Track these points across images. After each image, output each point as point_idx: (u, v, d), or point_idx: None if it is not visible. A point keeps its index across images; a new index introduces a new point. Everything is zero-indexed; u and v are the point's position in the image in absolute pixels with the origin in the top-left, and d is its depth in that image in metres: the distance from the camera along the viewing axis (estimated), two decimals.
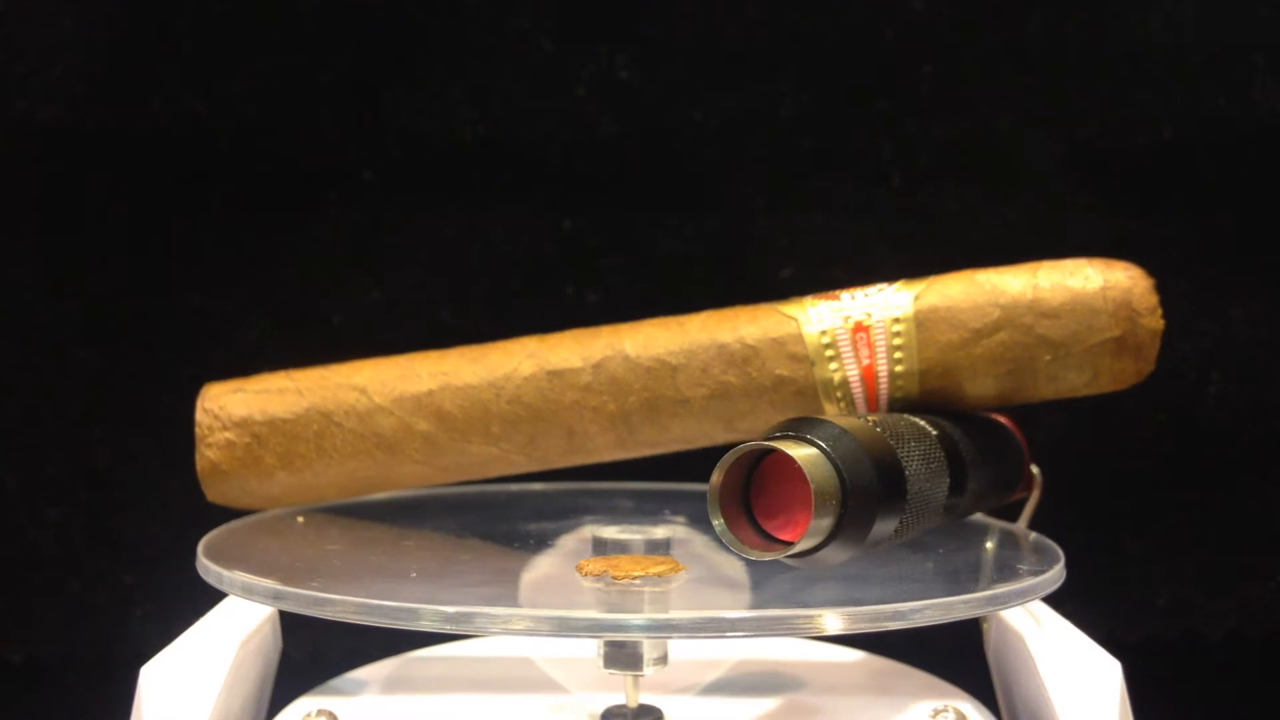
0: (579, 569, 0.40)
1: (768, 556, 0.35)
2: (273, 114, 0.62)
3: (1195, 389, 0.62)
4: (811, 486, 0.33)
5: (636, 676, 0.39)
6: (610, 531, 0.42)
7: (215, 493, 0.48)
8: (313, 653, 0.56)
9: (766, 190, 0.62)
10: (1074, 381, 0.45)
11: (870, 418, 0.38)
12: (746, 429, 0.46)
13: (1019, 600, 0.39)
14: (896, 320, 0.45)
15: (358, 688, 0.44)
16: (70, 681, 0.63)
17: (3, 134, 0.61)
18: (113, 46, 0.61)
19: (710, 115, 0.62)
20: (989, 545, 0.46)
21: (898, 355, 0.45)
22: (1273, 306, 0.62)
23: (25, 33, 0.60)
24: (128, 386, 0.62)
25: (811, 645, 0.49)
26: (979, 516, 0.49)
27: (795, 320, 0.45)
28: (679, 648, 0.40)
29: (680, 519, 0.48)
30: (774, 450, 0.34)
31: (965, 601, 0.37)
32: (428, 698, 0.43)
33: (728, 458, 0.35)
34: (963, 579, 0.41)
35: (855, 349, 0.45)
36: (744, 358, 0.45)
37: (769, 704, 0.42)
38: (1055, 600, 0.43)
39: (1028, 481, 0.49)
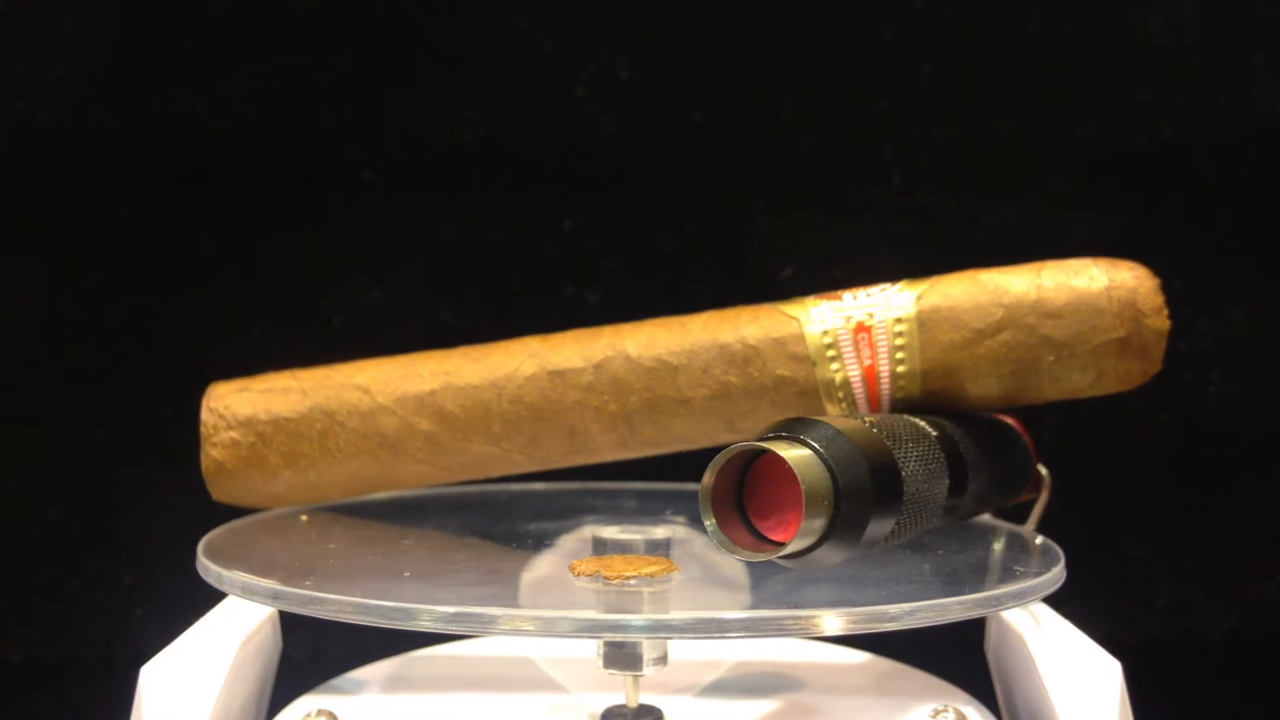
0: (572, 569, 0.40)
1: (759, 557, 0.35)
2: (273, 114, 0.62)
3: (1195, 389, 0.62)
4: (802, 487, 0.33)
5: (636, 676, 0.39)
6: (610, 532, 0.42)
7: (220, 491, 0.48)
8: (313, 653, 0.56)
9: (766, 190, 0.62)
10: (1078, 382, 0.44)
11: (868, 418, 0.38)
12: (748, 429, 0.46)
13: (1019, 601, 0.39)
14: (899, 320, 0.45)
15: (358, 688, 0.44)
16: (70, 681, 0.63)
17: (3, 134, 0.61)
18: (113, 46, 0.61)
19: (710, 115, 0.62)
20: (996, 547, 0.45)
21: (899, 356, 0.44)
22: (1273, 306, 0.62)
23: (25, 33, 0.60)
24: (128, 386, 0.62)
25: (811, 645, 0.49)
26: (985, 518, 0.49)
27: (797, 320, 0.45)
28: (679, 648, 0.40)
29: (681, 519, 0.48)
30: (767, 451, 0.34)
31: (966, 602, 0.37)
32: (428, 697, 0.43)
33: (719, 459, 0.35)
34: (963, 580, 0.41)
35: (857, 349, 0.45)
36: (745, 358, 0.45)
37: (769, 704, 0.42)
38: (1055, 600, 0.43)
39: (1036, 483, 0.49)
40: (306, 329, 0.62)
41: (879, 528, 0.36)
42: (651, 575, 0.39)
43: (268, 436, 0.47)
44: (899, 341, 0.44)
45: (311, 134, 0.62)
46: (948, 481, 0.40)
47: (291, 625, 0.46)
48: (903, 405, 0.44)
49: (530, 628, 0.35)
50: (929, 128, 0.62)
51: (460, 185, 0.62)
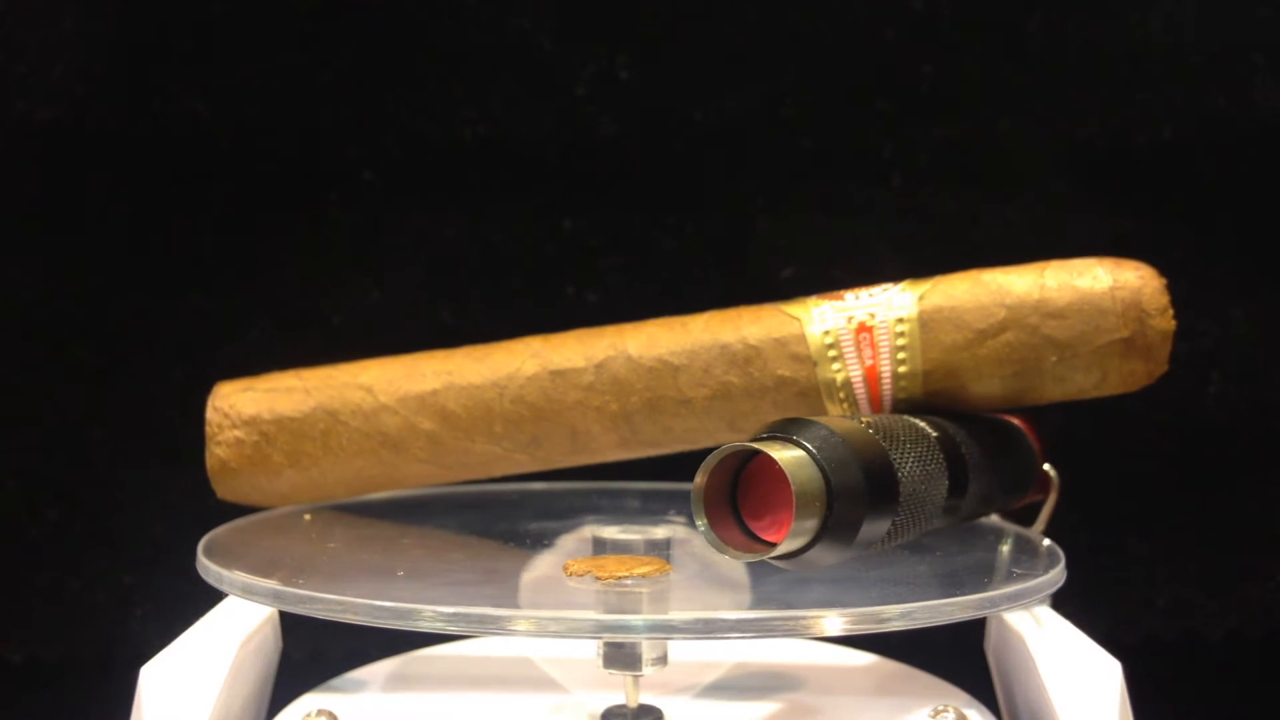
0: (565, 569, 0.40)
1: (751, 557, 0.35)
2: (273, 114, 0.62)
3: (1195, 389, 0.62)
4: (793, 488, 0.33)
5: (636, 676, 0.39)
6: (610, 532, 0.42)
7: (225, 490, 0.49)
8: (313, 653, 0.56)
9: (766, 190, 0.62)
10: (1082, 383, 0.44)
11: (864, 419, 0.38)
12: (749, 429, 0.46)
13: (1019, 602, 0.39)
14: (900, 320, 0.44)
15: (358, 688, 0.44)
16: (70, 681, 0.63)
17: (3, 134, 0.61)
18: (113, 46, 0.61)
19: (710, 115, 0.62)
20: (1003, 549, 0.45)
21: (901, 356, 0.44)
22: (1273, 306, 0.62)
23: (25, 33, 0.60)
24: (128, 386, 0.62)
25: (812, 645, 0.49)
26: (992, 519, 0.49)
27: (798, 320, 0.45)
28: (678, 648, 0.40)
29: (682, 520, 0.48)
30: (759, 452, 0.34)
31: (966, 603, 0.37)
32: (428, 697, 0.43)
33: (710, 460, 0.35)
34: (963, 581, 0.41)
35: (858, 349, 0.45)
36: (746, 358, 0.45)
37: (769, 704, 0.42)
38: (1055, 600, 0.43)
39: (1044, 484, 0.48)
40: (306, 329, 0.62)
41: (874, 529, 0.36)
42: (644, 575, 0.39)
43: (271, 436, 0.48)
44: (900, 342, 0.44)
45: (311, 134, 0.62)
46: (947, 482, 0.39)
47: (291, 625, 0.46)
48: (905, 406, 0.44)
49: (527, 628, 0.35)
50: (929, 128, 0.62)
51: (460, 185, 0.62)
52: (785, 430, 0.35)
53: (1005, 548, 0.45)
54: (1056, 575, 0.41)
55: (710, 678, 0.44)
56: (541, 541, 0.46)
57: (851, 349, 0.45)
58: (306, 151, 0.62)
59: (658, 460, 0.48)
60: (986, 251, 0.48)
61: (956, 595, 0.37)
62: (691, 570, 0.41)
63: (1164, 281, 0.44)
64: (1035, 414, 0.49)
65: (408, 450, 0.48)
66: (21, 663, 0.63)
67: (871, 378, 0.44)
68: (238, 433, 0.48)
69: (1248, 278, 0.62)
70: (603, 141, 0.62)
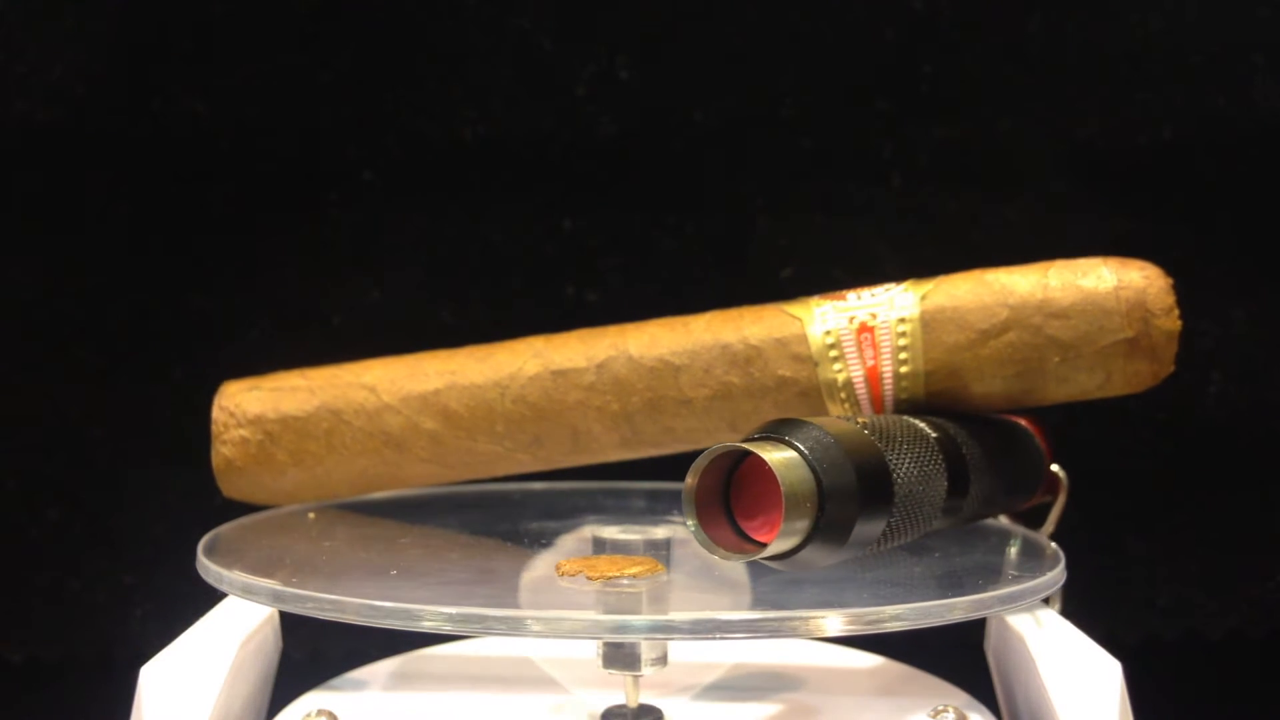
0: (557, 569, 0.40)
1: (741, 558, 0.35)
2: (273, 114, 0.62)
3: (1195, 389, 0.62)
4: (782, 489, 0.33)
5: (636, 677, 0.39)
6: (610, 532, 0.42)
7: (230, 488, 0.49)
8: (313, 653, 0.56)
9: (766, 190, 0.62)
10: (1086, 384, 0.44)
11: (861, 419, 0.38)
12: (750, 430, 0.46)
13: (1019, 603, 0.39)
14: (902, 320, 0.44)
15: (358, 688, 0.44)
16: (70, 681, 0.63)
17: (3, 134, 0.61)
18: (113, 46, 0.61)
19: (710, 115, 0.62)
20: (1011, 551, 0.45)
21: (903, 356, 0.44)
22: (1273, 306, 0.62)
23: (25, 33, 0.60)
24: (128, 386, 0.62)
25: (812, 645, 0.49)
26: (1001, 520, 0.49)
27: (799, 320, 0.45)
28: (679, 648, 0.40)
29: (683, 519, 0.48)
30: (751, 452, 0.34)
31: (966, 604, 0.37)
32: (428, 697, 0.43)
33: (700, 461, 0.35)
34: (963, 582, 0.41)
35: (860, 350, 0.44)
36: (747, 358, 0.45)
37: (769, 704, 0.42)
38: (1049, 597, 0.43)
39: (1053, 485, 0.48)
40: (306, 329, 0.62)
41: (868, 529, 0.35)
42: (635, 575, 0.39)
43: (276, 434, 0.48)
44: (902, 342, 0.44)
45: (311, 134, 0.62)
46: (946, 483, 0.39)
47: (291, 625, 0.46)
48: (906, 406, 0.44)
49: (527, 629, 0.35)
50: (929, 128, 0.62)
51: (460, 185, 0.62)
52: (778, 431, 0.35)
53: (1013, 550, 0.45)
54: (1058, 574, 0.41)
55: (710, 678, 0.44)
56: (540, 541, 0.46)
57: (853, 349, 0.45)
58: (306, 151, 0.62)
59: (663, 460, 0.48)
60: (986, 251, 0.48)
61: (956, 596, 0.37)
62: (692, 571, 0.41)
63: (1170, 281, 0.43)
64: (1031, 415, 0.49)
65: (410, 450, 0.48)
66: (21, 663, 0.63)
67: (873, 378, 0.44)
68: (243, 431, 0.48)
69: (1248, 278, 0.62)
70: (603, 141, 0.62)
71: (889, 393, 0.44)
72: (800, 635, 0.36)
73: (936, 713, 0.39)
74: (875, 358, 0.44)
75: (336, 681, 0.45)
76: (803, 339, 0.45)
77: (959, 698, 0.43)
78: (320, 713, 0.39)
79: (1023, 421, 0.48)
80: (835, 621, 0.35)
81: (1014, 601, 0.39)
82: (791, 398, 0.45)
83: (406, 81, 0.62)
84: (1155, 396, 0.45)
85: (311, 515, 0.49)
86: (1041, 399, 0.45)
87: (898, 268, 0.49)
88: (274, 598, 0.38)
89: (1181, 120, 0.61)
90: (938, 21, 0.61)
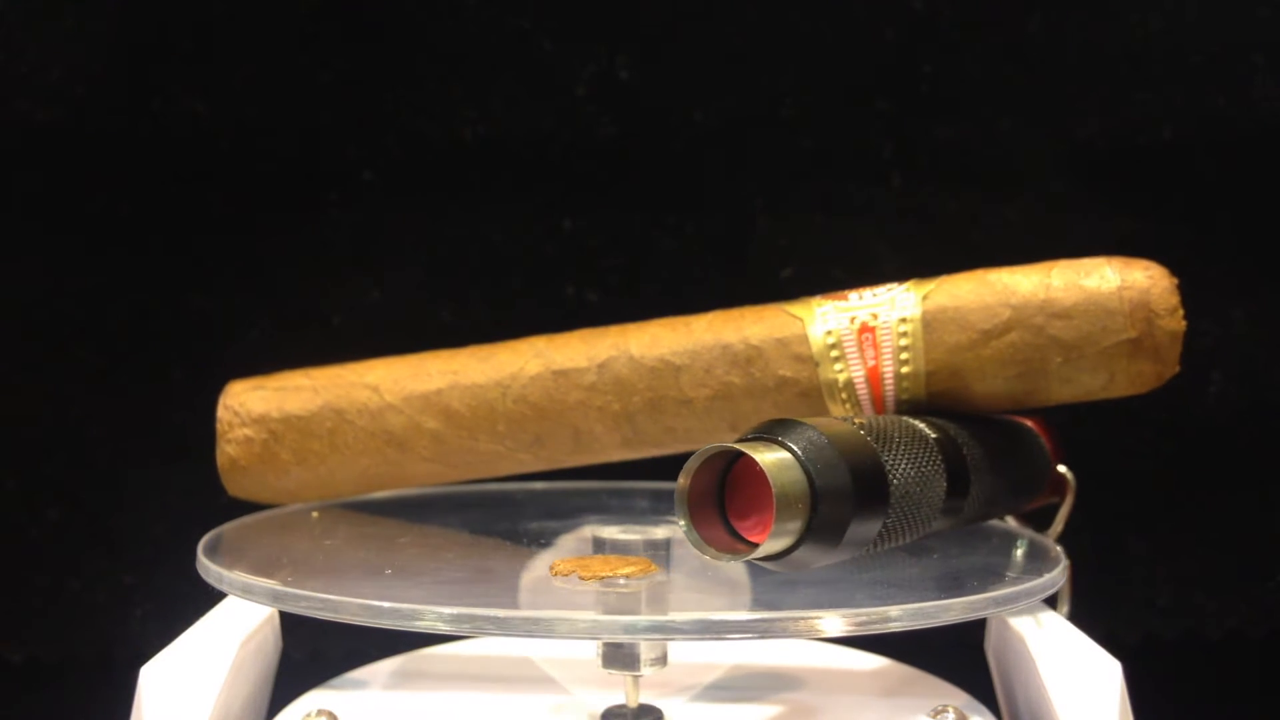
0: (551, 569, 0.40)
1: (732, 558, 0.35)
2: (273, 114, 0.62)
3: (1195, 389, 0.62)
4: (773, 489, 0.33)
5: (636, 677, 0.39)
6: (610, 532, 0.42)
7: (235, 487, 0.49)
8: (313, 653, 0.56)
9: (766, 190, 0.62)
10: (1089, 384, 0.44)
11: (858, 420, 0.38)
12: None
13: (1019, 603, 0.39)
14: (903, 320, 0.44)
15: (358, 688, 0.44)
16: (70, 681, 0.63)
17: (3, 134, 0.61)
18: (113, 46, 0.61)
19: (710, 115, 0.62)
20: (1018, 553, 0.45)
21: (904, 357, 0.44)
22: (1273, 306, 0.62)
23: (25, 33, 0.60)
24: (128, 386, 0.62)
25: (812, 645, 0.49)
26: (1009, 522, 0.49)
27: (801, 320, 0.45)
28: (679, 648, 0.40)
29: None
30: (744, 453, 0.34)
31: (966, 604, 0.37)
32: (428, 697, 0.43)
33: (691, 462, 0.35)
34: (963, 583, 0.41)
35: (861, 350, 0.44)
36: (748, 358, 0.45)
37: (769, 704, 0.42)
38: (1055, 600, 0.43)
39: (1059, 486, 0.47)
40: (306, 329, 0.62)
41: (863, 530, 0.35)
42: (628, 575, 0.39)
43: (280, 434, 0.48)
44: (903, 342, 0.44)
45: (311, 134, 0.62)
46: (945, 484, 0.39)
47: (291, 625, 0.46)
48: (908, 407, 0.44)
49: (518, 629, 0.35)
50: (929, 128, 0.62)
51: (460, 185, 0.62)
52: (772, 431, 0.35)
53: (1019, 552, 0.45)
54: (1059, 575, 0.41)
55: (710, 678, 0.44)
56: (539, 541, 0.46)
57: (854, 349, 0.44)
58: (306, 151, 0.62)
59: (667, 460, 0.48)
60: (986, 251, 0.48)
61: (956, 596, 0.37)
62: (692, 571, 0.41)
63: (1174, 281, 0.43)
64: (1031, 415, 0.49)
65: (413, 449, 0.48)
66: (21, 663, 0.63)
67: (874, 378, 0.44)
68: (247, 431, 0.48)
69: (1248, 278, 0.62)
70: (603, 141, 0.62)
71: (890, 393, 0.44)
72: (800, 636, 0.36)
73: (936, 713, 0.39)
74: (876, 358, 0.44)
75: (336, 681, 0.45)
76: (803, 339, 0.45)
77: (959, 698, 0.43)
78: (320, 713, 0.39)
79: (1029, 422, 0.48)
80: (835, 622, 0.35)
81: (1013, 602, 0.39)
82: (792, 398, 0.45)
83: (406, 81, 0.62)
84: (1155, 396, 0.45)
85: (315, 514, 0.50)
86: (1045, 400, 0.44)
87: (898, 268, 0.49)
88: (274, 598, 0.38)
89: (1181, 120, 0.61)
90: (938, 21, 0.61)
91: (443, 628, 0.35)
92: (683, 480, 0.35)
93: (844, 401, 0.44)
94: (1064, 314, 0.43)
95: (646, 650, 0.38)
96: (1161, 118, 0.61)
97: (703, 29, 0.62)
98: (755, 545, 0.34)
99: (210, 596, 0.42)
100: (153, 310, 0.62)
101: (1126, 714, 0.38)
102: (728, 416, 0.46)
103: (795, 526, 0.34)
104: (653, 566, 0.40)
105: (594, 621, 0.35)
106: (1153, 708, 0.42)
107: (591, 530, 0.43)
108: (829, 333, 0.45)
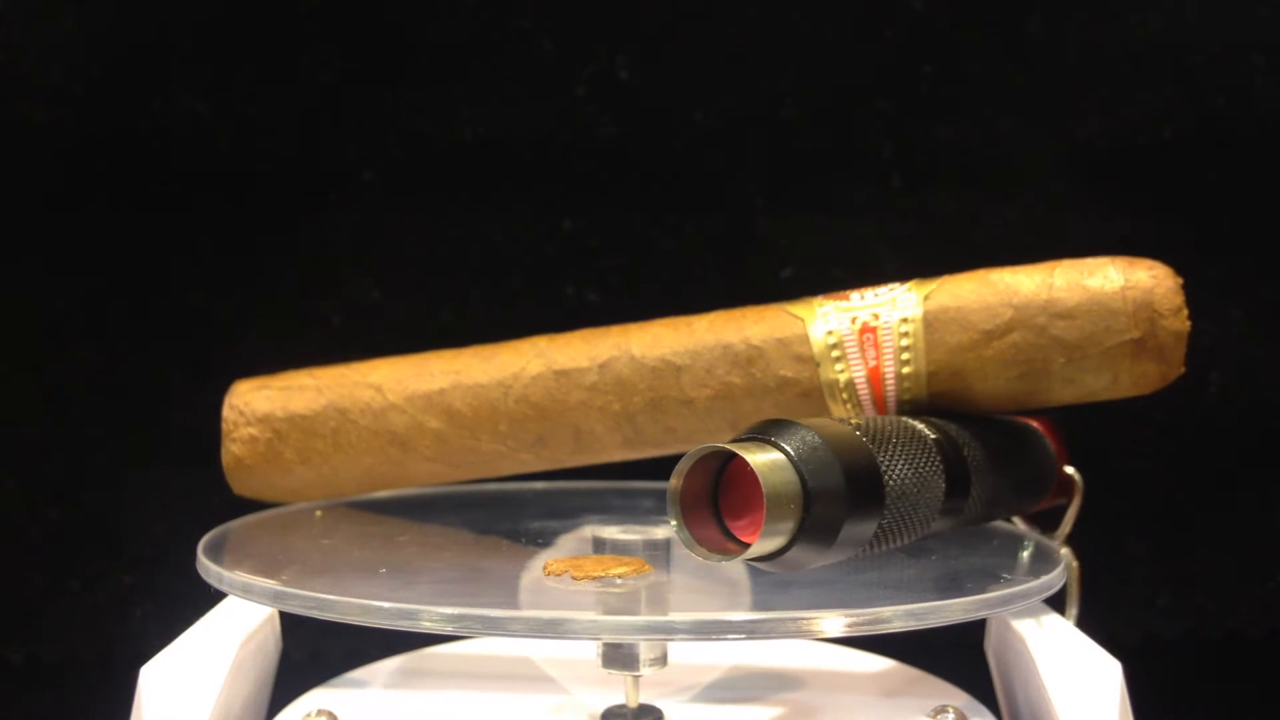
0: (544, 569, 0.40)
1: (723, 558, 0.35)
2: (273, 114, 0.62)
3: (1195, 389, 0.62)
4: (764, 490, 0.33)
5: (636, 677, 0.39)
6: (610, 532, 0.42)
7: (240, 486, 0.49)
8: (313, 653, 0.56)
9: (766, 190, 0.62)
10: (1093, 385, 0.43)
11: (854, 420, 0.38)
12: None
13: (1019, 603, 0.39)
14: (905, 320, 0.44)
15: (358, 688, 0.44)
16: (70, 681, 0.63)
17: (3, 134, 0.61)
18: (113, 46, 0.61)
19: (710, 115, 0.62)
20: (1023, 555, 0.45)
21: (905, 357, 0.44)
22: (1273, 306, 0.62)
23: (25, 33, 0.60)
24: (128, 386, 0.62)
25: (812, 646, 0.49)
26: (1016, 523, 0.48)
27: (802, 320, 0.45)
28: (679, 648, 0.40)
29: None
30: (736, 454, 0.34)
31: (966, 605, 0.37)
32: (428, 697, 0.43)
33: (683, 463, 0.35)
34: (963, 583, 0.41)
35: (862, 350, 0.44)
36: (748, 358, 0.45)
37: (769, 704, 0.42)
38: (1056, 601, 0.43)
39: (1066, 487, 0.47)
40: (306, 329, 0.62)
41: (858, 530, 0.35)
42: (621, 575, 0.39)
43: (284, 433, 0.48)
44: (904, 342, 0.44)
45: (311, 134, 0.62)
46: (944, 485, 0.39)
47: (291, 625, 0.46)
48: (909, 407, 0.44)
49: (514, 628, 0.35)
50: (929, 128, 0.62)
51: (460, 185, 0.62)
52: (766, 432, 0.35)
53: (1025, 554, 0.45)
54: (1059, 575, 0.41)
55: (711, 678, 0.44)
56: (538, 541, 0.46)
57: (855, 350, 0.44)
58: (306, 151, 0.62)
59: (671, 460, 0.48)
60: (986, 251, 0.48)
61: (955, 597, 0.37)
62: (692, 571, 0.41)
63: (1179, 281, 0.43)
64: (1031, 416, 0.48)
65: (415, 448, 0.48)
66: (21, 663, 0.63)
67: (875, 379, 0.44)
68: (252, 430, 0.48)
69: (1248, 278, 0.62)
70: (603, 141, 0.62)
71: (891, 393, 0.44)
72: (800, 636, 0.36)
73: (936, 713, 0.39)
74: (877, 358, 0.44)
75: (336, 681, 0.45)
76: (804, 339, 0.45)
77: (959, 698, 0.43)
78: (320, 713, 0.39)
79: (1035, 423, 0.48)
80: (835, 622, 0.35)
81: (1012, 604, 0.39)
82: (793, 398, 0.45)
83: (406, 81, 0.62)
84: (1155, 396, 0.45)
85: (319, 513, 0.50)
86: (1048, 400, 0.44)
87: (898, 268, 0.49)
88: (274, 598, 0.38)
89: (1181, 120, 0.61)
90: (938, 21, 0.61)
91: (442, 628, 0.35)
92: (674, 481, 0.35)
93: (845, 402, 0.44)
94: (1066, 314, 0.43)
95: (646, 650, 0.38)
96: (1161, 118, 0.61)
97: (703, 29, 0.62)
98: (747, 545, 0.34)
99: (210, 596, 0.42)
100: (152, 310, 0.62)
101: (1126, 714, 0.38)
102: (729, 417, 0.46)
103: (787, 527, 0.34)
104: (646, 566, 0.40)
105: (593, 622, 0.35)
106: (1153, 708, 0.42)
107: (592, 530, 0.43)
108: (830, 333, 0.45)
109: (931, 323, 0.44)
